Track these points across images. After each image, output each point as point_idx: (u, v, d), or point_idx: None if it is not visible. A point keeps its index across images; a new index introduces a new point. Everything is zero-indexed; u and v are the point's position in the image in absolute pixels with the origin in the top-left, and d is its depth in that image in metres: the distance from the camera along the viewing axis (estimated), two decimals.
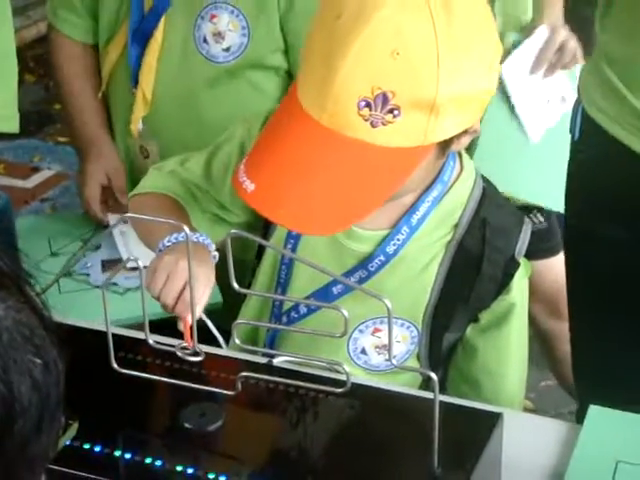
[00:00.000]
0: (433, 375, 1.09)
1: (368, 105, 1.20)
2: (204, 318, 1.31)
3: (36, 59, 4.44)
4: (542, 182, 2.10)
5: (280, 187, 1.24)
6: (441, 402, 1.11)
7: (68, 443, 1.16)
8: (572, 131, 1.59)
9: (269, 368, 1.26)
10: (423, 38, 1.19)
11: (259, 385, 1.24)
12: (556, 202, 1.93)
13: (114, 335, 1.22)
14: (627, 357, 1.59)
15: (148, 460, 1.14)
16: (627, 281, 1.56)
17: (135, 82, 1.95)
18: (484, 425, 1.19)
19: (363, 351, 1.46)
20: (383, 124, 1.21)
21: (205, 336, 1.31)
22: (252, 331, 1.55)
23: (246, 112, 1.69)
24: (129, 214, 1.30)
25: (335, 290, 1.43)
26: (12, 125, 2.17)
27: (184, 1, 1.89)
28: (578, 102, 1.57)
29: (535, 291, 1.82)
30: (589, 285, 1.62)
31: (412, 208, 1.39)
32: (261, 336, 1.54)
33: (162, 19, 1.90)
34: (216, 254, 1.34)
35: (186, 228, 1.15)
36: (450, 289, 1.43)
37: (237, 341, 1.17)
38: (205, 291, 1.27)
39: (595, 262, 1.59)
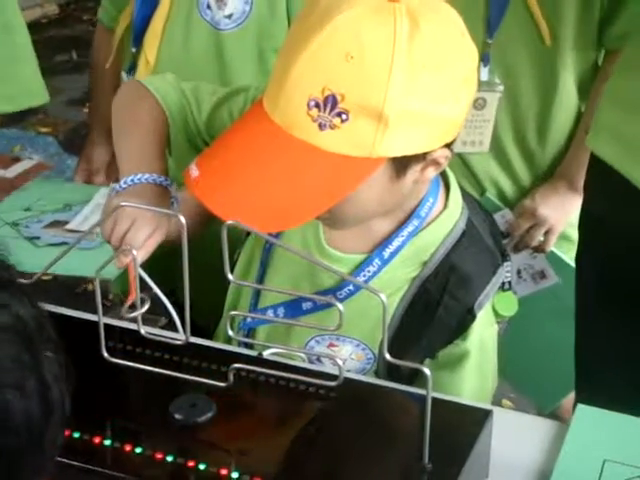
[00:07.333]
0: (426, 370, 1.09)
1: (317, 105, 1.20)
2: (143, 274, 1.26)
3: None
4: None
5: (221, 177, 1.23)
6: (432, 398, 1.11)
7: None
8: None
9: (261, 360, 1.25)
10: (380, 46, 1.18)
11: (250, 377, 1.24)
12: None
13: (106, 325, 1.22)
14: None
15: (138, 450, 1.14)
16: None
17: (136, 43, 1.93)
18: (474, 422, 1.20)
19: (318, 359, 1.47)
20: (331, 127, 1.20)
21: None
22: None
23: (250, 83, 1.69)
24: (125, 203, 1.28)
25: (304, 306, 1.43)
26: (44, 97, 2.15)
27: None
28: None
29: None
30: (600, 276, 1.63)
31: (386, 241, 1.38)
32: (235, 328, 1.54)
33: None
34: (177, 196, 1.33)
35: (181, 217, 1.14)
36: (404, 326, 1.42)
37: (230, 333, 1.17)
38: (151, 234, 1.27)
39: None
